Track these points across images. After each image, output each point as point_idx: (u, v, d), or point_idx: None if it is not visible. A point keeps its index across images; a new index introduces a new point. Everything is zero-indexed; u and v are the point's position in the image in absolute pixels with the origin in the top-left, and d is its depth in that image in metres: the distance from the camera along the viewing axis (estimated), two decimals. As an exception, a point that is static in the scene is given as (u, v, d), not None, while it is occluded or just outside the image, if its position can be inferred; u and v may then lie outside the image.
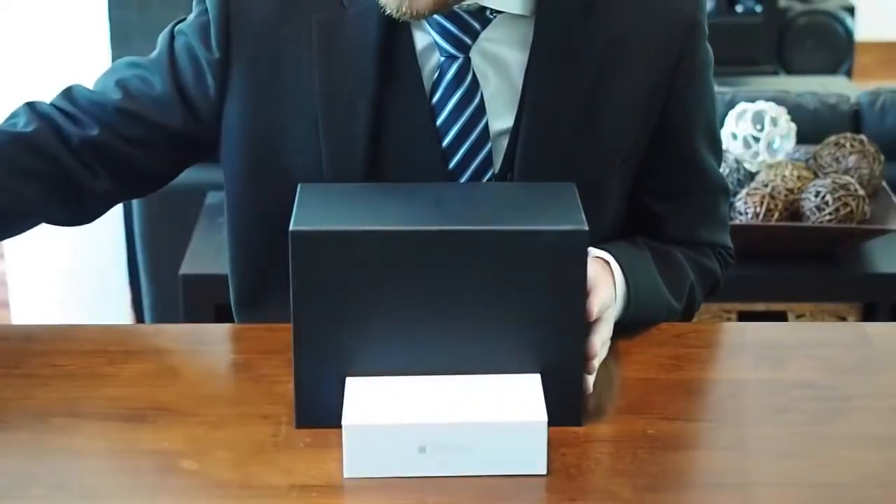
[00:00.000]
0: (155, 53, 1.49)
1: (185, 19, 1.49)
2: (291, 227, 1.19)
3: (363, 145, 1.42)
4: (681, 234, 1.54)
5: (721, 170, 1.56)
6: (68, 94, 1.50)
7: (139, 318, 3.12)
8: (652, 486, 1.16)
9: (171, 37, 1.49)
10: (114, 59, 3.24)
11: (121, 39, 3.42)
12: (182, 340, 1.44)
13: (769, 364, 1.40)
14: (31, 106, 1.49)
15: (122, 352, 1.43)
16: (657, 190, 1.52)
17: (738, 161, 2.74)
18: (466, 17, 1.40)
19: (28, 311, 3.19)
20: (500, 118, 1.44)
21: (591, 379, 1.28)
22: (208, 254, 2.47)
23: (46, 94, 1.52)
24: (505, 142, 1.44)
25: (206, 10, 1.45)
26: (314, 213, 1.24)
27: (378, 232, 1.20)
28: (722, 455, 1.23)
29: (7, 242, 3.22)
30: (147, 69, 1.48)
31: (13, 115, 1.48)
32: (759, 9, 5.42)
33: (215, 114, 1.46)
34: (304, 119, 1.43)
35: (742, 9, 5.44)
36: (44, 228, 1.51)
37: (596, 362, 1.28)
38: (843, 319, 2.72)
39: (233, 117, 1.46)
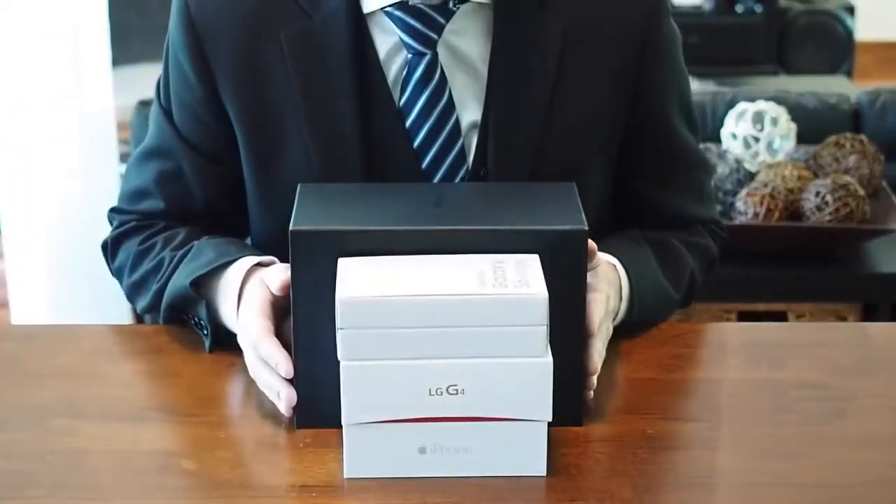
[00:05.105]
0: (161, 135, 1.50)
1: (158, 92, 1.50)
2: (291, 227, 1.19)
3: (354, 148, 1.42)
4: (672, 214, 1.54)
5: (721, 170, 1.56)
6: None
7: (139, 318, 3.12)
8: (652, 486, 1.16)
9: (165, 112, 1.49)
10: (114, 60, 3.26)
11: (121, 39, 3.41)
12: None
13: (769, 364, 1.40)
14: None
15: (122, 352, 1.43)
16: (642, 172, 1.52)
17: (738, 161, 2.74)
18: (430, 11, 1.39)
19: (28, 311, 3.18)
20: (469, 112, 1.43)
21: (590, 394, 1.27)
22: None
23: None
24: (475, 136, 1.44)
25: (178, 60, 1.44)
26: (314, 212, 1.23)
27: (378, 232, 1.20)
28: (722, 455, 1.23)
29: (7, 242, 3.22)
30: (168, 155, 1.50)
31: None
32: (759, 9, 5.43)
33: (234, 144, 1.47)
34: (293, 127, 1.43)
35: (742, 9, 5.44)
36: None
37: (594, 379, 1.27)
38: (843, 319, 2.72)
39: (237, 137, 1.46)
